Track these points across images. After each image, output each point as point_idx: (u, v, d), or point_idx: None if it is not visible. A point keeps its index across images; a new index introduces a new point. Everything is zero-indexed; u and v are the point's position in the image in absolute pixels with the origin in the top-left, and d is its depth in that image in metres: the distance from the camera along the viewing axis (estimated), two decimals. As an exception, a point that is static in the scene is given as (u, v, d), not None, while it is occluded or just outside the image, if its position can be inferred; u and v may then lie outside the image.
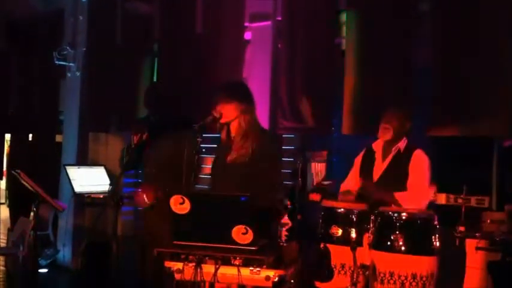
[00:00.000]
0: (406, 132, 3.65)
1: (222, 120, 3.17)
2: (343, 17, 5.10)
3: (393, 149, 3.63)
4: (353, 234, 3.31)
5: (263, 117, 5.28)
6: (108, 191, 3.57)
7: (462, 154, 4.58)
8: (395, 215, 3.23)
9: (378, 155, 3.68)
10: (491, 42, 4.14)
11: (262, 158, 3.12)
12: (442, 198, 3.75)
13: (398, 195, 3.46)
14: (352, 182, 3.78)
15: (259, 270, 2.62)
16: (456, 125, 4.24)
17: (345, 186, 3.78)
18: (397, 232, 3.19)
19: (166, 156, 3.57)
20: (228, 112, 3.16)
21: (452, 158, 4.59)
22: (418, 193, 3.48)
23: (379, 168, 3.65)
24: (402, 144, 3.63)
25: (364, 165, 3.74)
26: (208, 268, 2.66)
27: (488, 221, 3.83)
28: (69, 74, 6.77)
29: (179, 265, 2.69)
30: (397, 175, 3.56)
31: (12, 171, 4.08)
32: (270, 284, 2.63)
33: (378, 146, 3.71)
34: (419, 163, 3.55)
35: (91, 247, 5.53)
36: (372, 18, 4.82)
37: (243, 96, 3.23)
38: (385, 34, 4.69)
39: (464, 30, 4.27)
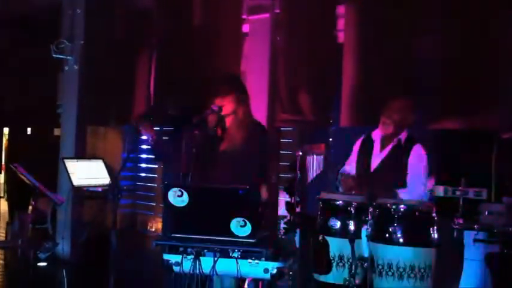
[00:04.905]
0: (408, 125, 3.63)
1: (222, 113, 3.18)
2: (341, 9, 5.08)
3: (393, 139, 3.61)
4: (351, 226, 3.30)
5: (261, 110, 5.28)
6: (109, 183, 3.54)
7: (462, 146, 4.57)
8: (394, 206, 3.22)
9: (376, 145, 3.67)
10: (495, 34, 4.12)
11: (253, 146, 3.21)
12: (440, 190, 3.74)
13: (400, 192, 3.47)
14: (349, 168, 3.77)
15: (257, 263, 2.62)
16: (456, 118, 4.23)
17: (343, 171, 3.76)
18: (396, 224, 3.19)
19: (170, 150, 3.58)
20: (228, 104, 3.18)
21: (451, 150, 4.58)
22: (416, 190, 3.49)
23: (377, 157, 3.64)
24: (403, 135, 3.61)
25: (362, 153, 3.73)
26: (206, 261, 2.66)
27: (486, 212, 3.82)
28: (67, 68, 6.74)
29: (178, 258, 2.69)
30: (395, 166, 3.55)
31: (10, 165, 4.08)
32: (268, 276, 2.63)
33: (377, 135, 3.70)
34: (418, 159, 3.55)
35: (90, 240, 5.54)
36: (371, 9, 4.79)
37: (240, 88, 3.28)
38: (385, 25, 4.66)
39: (466, 22, 4.24)
